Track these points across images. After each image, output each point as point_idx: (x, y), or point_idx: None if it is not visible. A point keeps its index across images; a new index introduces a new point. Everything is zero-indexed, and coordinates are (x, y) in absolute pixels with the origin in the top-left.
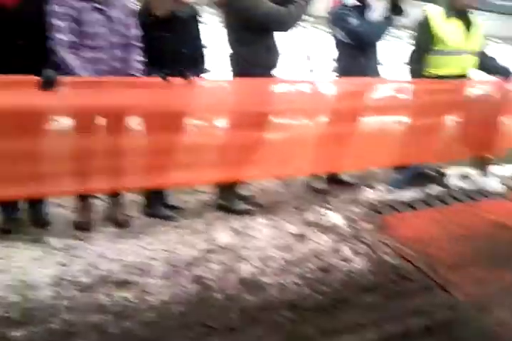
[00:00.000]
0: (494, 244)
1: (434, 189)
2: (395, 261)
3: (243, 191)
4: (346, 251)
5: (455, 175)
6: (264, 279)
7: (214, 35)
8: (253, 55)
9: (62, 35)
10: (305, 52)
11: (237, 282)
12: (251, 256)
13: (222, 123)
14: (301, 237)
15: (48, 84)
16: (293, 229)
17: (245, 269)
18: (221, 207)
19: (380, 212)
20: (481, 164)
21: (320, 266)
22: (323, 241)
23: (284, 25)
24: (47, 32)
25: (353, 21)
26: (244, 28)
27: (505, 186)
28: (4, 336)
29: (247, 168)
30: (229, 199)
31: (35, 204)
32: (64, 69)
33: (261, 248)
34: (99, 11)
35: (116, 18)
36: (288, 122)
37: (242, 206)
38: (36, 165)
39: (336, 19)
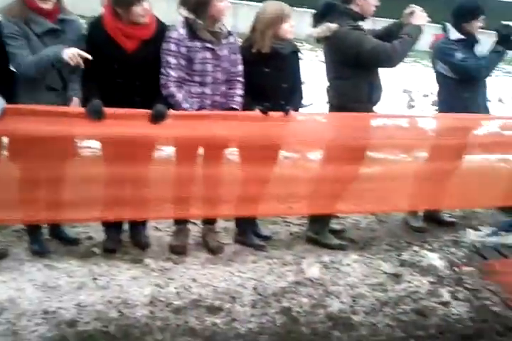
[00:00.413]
0: None
1: None
2: (499, 310)
3: (336, 225)
4: (445, 294)
5: None
6: (355, 317)
7: (311, 70)
8: (355, 90)
9: (172, 71)
10: (404, 87)
11: (326, 317)
12: (341, 292)
13: (317, 156)
14: (395, 277)
15: (157, 118)
16: (387, 267)
17: (335, 305)
18: (311, 240)
19: (483, 256)
20: None
21: (415, 308)
22: (419, 283)
23: (391, 62)
24: (160, 69)
25: (459, 55)
26: (348, 63)
27: None
28: None
29: (341, 202)
30: (320, 233)
31: (137, 226)
32: (171, 102)
33: (352, 285)
34: (210, 50)
35: (224, 56)
36: (386, 157)
37: (334, 240)
38: (139, 190)
39: (440, 53)
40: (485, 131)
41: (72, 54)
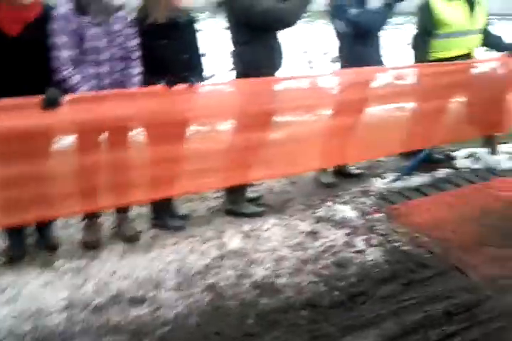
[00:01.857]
0: (508, 222)
1: (444, 172)
2: (409, 249)
3: (251, 193)
4: (360, 243)
5: (464, 157)
6: (279, 280)
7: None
8: (255, 55)
9: (63, 52)
10: (302, 47)
11: (251, 286)
12: (264, 259)
13: (226, 127)
14: (313, 234)
15: (50, 104)
16: (305, 226)
17: (258, 272)
18: (230, 212)
19: (391, 201)
20: (491, 143)
21: (335, 261)
22: (336, 236)
23: (285, 23)
24: (49, 52)
25: (353, 11)
26: (245, 27)
27: None
28: None
29: (254, 170)
30: (237, 203)
31: (43, 228)
32: (66, 87)
33: (273, 249)
34: (99, 25)
35: (117, 31)
36: (292, 120)
37: (251, 208)
38: (41, 188)
39: (336, 10)
40: (381, 82)
41: None
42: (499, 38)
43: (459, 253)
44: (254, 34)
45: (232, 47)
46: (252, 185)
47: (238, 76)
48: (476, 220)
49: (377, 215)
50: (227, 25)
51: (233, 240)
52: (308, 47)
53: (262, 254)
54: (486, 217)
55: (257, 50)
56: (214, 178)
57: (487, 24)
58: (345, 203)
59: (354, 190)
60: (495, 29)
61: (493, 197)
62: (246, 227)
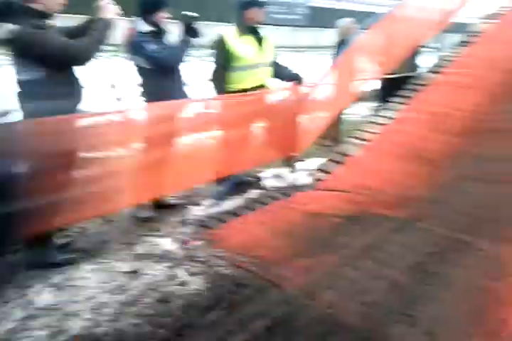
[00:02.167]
0: (313, 232)
1: (255, 193)
2: (229, 272)
3: (60, 239)
4: (182, 274)
5: (270, 177)
6: (99, 330)
7: None
8: (51, 91)
9: None
10: (109, 82)
11: None
12: (81, 310)
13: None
14: (134, 273)
15: None
16: (124, 267)
17: (76, 326)
18: (35, 265)
19: (209, 227)
20: (290, 162)
21: (158, 297)
22: (157, 272)
23: (80, 59)
24: None
25: (151, 47)
26: (38, 63)
27: (311, 178)
28: None
29: (60, 215)
30: (42, 253)
31: None
32: None
33: (91, 297)
34: None
35: None
36: (104, 156)
37: (61, 256)
38: None
39: (134, 46)
40: (187, 114)
41: None
42: (286, 68)
43: (274, 268)
44: (49, 70)
45: (17, 85)
46: (61, 229)
47: (26, 116)
48: (285, 234)
49: (196, 243)
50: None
51: (42, 296)
52: (116, 81)
53: (78, 305)
54: (294, 230)
55: (52, 86)
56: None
57: (275, 57)
58: (164, 236)
59: (173, 220)
60: (284, 60)
61: (297, 211)
62: (56, 279)
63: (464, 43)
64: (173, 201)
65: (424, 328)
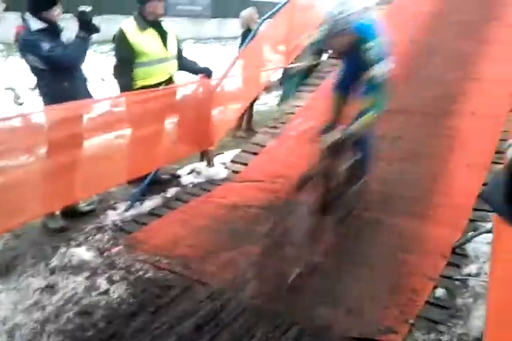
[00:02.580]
0: (233, 225)
1: (173, 191)
2: (152, 275)
3: None
4: (102, 283)
5: (188, 173)
6: None
7: None
8: None
9: None
10: (6, 84)
11: None
12: None
13: None
14: (50, 288)
15: None
16: (39, 282)
17: None
18: None
19: (127, 231)
20: (207, 156)
21: (78, 311)
22: (75, 284)
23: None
24: None
25: (46, 46)
26: None
27: (229, 170)
28: None
29: None
30: None
31: None
32: None
33: (4, 319)
34: None
35: None
36: (4, 164)
37: None
38: None
39: (27, 46)
40: (93, 114)
41: None
42: (193, 62)
43: (197, 265)
44: None
45: None
46: None
47: None
48: (207, 230)
49: (115, 249)
50: None
51: None
52: (12, 83)
53: None
54: (215, 225)
55: None
56: None
57: (180, 50)
58: (80, 245)
59: (88, 228)
60: (189, 52)
61: (216, 205)
62: None
63: None
64: (86, 207)
65: (347, 307)
